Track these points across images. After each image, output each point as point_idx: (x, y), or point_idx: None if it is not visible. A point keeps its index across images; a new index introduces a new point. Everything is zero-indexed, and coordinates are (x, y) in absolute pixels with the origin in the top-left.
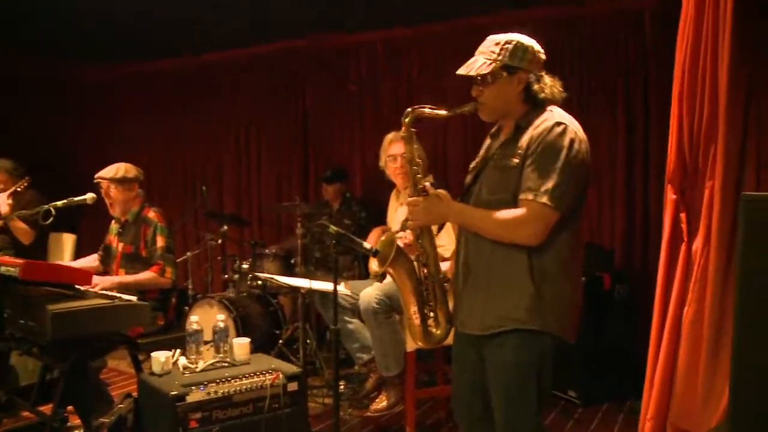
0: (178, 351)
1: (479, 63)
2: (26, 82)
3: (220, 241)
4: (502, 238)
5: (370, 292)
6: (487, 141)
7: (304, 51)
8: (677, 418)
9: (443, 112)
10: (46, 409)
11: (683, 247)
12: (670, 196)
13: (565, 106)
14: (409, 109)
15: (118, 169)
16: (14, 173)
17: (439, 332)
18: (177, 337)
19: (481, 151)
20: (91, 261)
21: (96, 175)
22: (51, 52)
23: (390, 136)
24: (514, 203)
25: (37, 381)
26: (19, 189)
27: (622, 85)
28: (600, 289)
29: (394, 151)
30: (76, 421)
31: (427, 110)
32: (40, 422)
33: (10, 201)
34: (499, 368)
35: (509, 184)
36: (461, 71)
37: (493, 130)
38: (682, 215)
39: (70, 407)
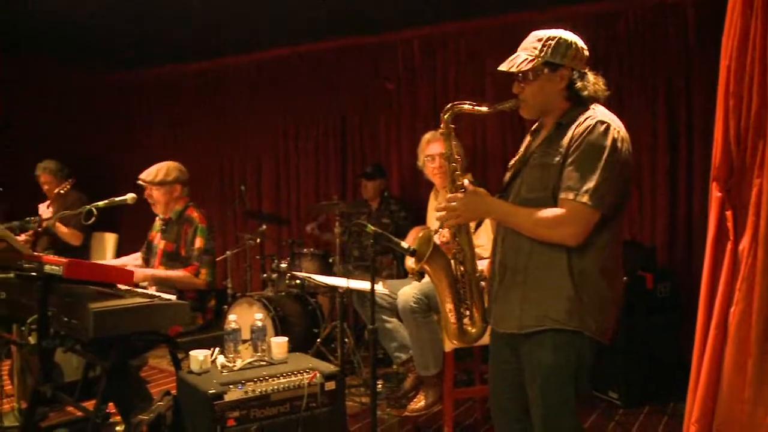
0: (217, 350)
1: (521, 59)
2: (67, 86)
3: (258, 241)
4: (542, 237)
5: (408, 291)
6: (528, 138)
7: (341, 50)
8: (723, 423)
9: (483, 109)
10: (90, 404)
11: (729, 246)
12: (716, 193)
13: (606, 101)
14: (449, 106)
15: (158, 171)
16: (59, 174)
17: (474, 331)
18: (216, 336)
19: (521, 149)
20: (134, 259)
21: (139, 177)
22: (88, 56)
23: (428, 135)
24: (553, 202)
25: (80, 378)
26: (62, 191)
27: (664, 80)
28: (642, 289)
29: (432, 151)
30: (118, 417)
31: (466, 107)
32: (84, 417)
33: (50, 209)
34: (537, 369)
35: (549, 183)
36: (502, 67)
37: (534, 127)
38: (728, 213)
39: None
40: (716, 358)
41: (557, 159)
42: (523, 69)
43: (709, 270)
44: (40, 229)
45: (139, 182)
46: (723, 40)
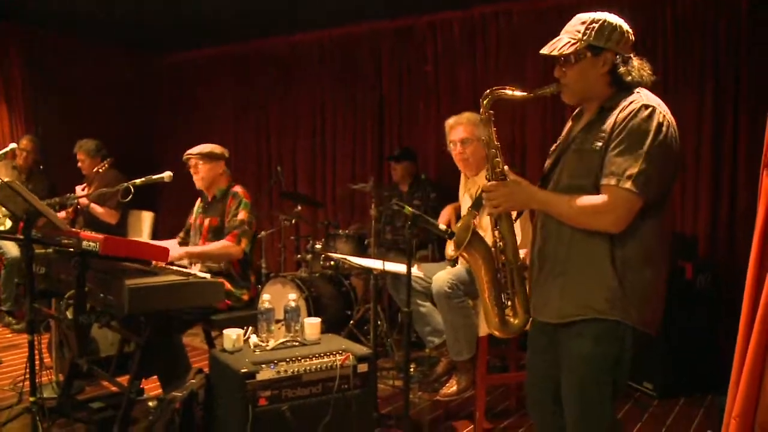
0: (251, 329)
1: (563, 42)
2: (109, 67)
3: (293, 221)
4: (583, 224)
5: (442, 276)
6: (569, 124)
7: (379, 33)
8: (767, 420)
9: (523, 94)
10: (124, 380)
11: None
12: (766, 182)
13: (652, 88)
14: (488, 91)
15: (204, 146)
16: (95, 153)
17: (517, 322)
18: (250, 315)
19: (563, 134)
20: (173, 244)
21: (186, 153)
22: (133, 37)
23: (450, 120)
24: (595, 189)
25: (116, 353)
26: (100, 170)
27: (711, 66)
28: (681, 279)
29: (454, 136)
30: (152, 393)
31: (507, 92)
32: (119, 392)
33: (86, 191)
34: (576, 359)
35: (591, 169)
36: (544, 50)
37: (576, 113)
38: None
39: (145, 379)
40: (761, 353)
41: (600, 144)
42: (565, 52)
43: (755, 262)
44: (77, 209)
45: (186, 156)
46: None
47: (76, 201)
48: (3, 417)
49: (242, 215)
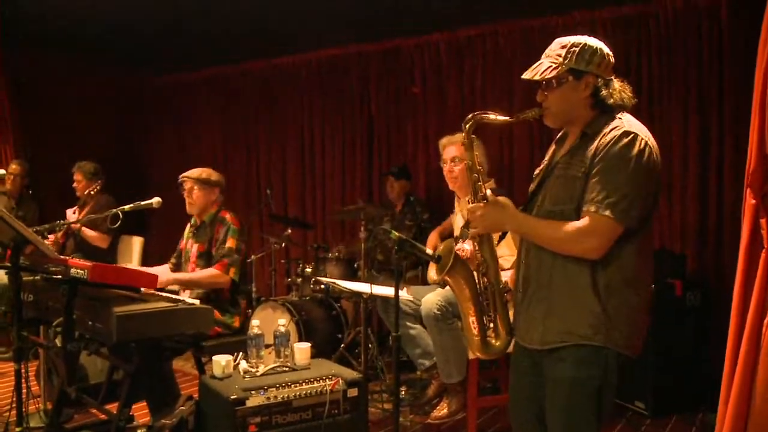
0: (240, 354)
1: (544, 67)
2: (97, 89)
3: (283, 245)
4: (562, 250)
5: (431, 298)
6: (552, 147)
7: (367, 54)
8: None
9: (506, 119)
10: (113, 407)
11: (763, 255)
12: (750, 200)
13: (635, 108)
14: (470, 116)
15: (202, 171)
16: (90, 176)
17: (498, 344)
18: (241, 341)
19: (546, 158)
20: (163, 271)
21: (181, 175)
22: (122, 59)
23: (444, 140)
24: (577, 215)
25: (105, 380)
26: (92, 192)
27: (695, 85)
28: (671, 296)
29: (446, 155)
30: (141, 420)
31: (489, 116)
32: (107, 420)
33: (76, 215)
34: (558, 383)
35: (573, 195)
36: (526, 75)
37: (559, 136)
38: (763, 221)
39: (135, 405)
40: (748, 370)
41: (582, 170)
42: (546, 77)
43: (741, 279)
44: (67, 233)
45: (182, 179)
46: (760, 45)
47: (66, 225)
48: None
49: (230, 243)
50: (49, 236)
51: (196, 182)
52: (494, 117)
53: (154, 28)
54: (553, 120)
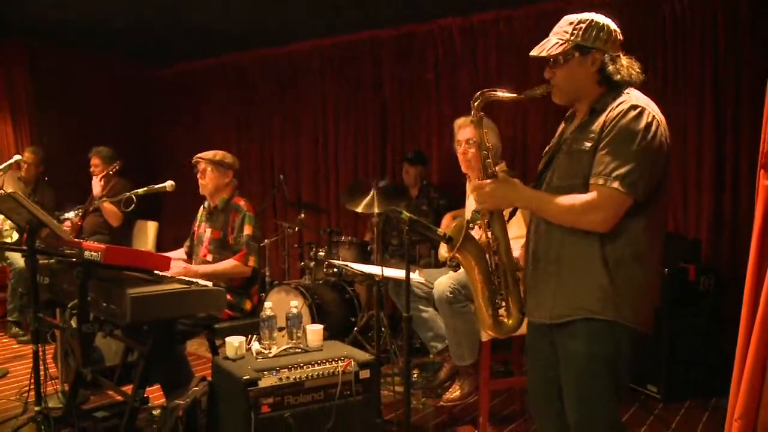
0: (254, 336)
1: (551, 43)
2: (111, 78)
3: (297, 229)
4: (570, 223)
5: (444, 281)
6: (562, 125)
7: (380, 41)
8: None
9: (514, 95)
10: (129, 388)
11: None
12: (764, 182)
13: (650, 90)
14: (479, 93)
15: (216, 153)
16: (108, 160)
17: (510, 322)
18: (254, 323)
19: (555, 136)
20: (179, 255)
21: (196, 156)
22: (135, 48)
23: (459, 121)
24: (585, 189)
25: (119, 362)
26: (111, 172)
27: (711, 66)
28: (684, 281)
29: (461, 136)
30: (156, 402)
31: (498, 93)
32: (123, 401)
33: (102, 183)
34: (571, 359)
35: (581, 170)
36: (533, 52)
37: (568, 113)
38: None
39: (150, 387)
40: (761, 354)
41: (589, 145)
42: (553, 53)
43: (754, 263)
44: (84, 215)
45: (196, 160)
46: None
47: (82, 209)
48: (9, 427)
49: (247, 230)
50: (66, 221)
51: (209, 163)
52: (503, 94)
53: (165, 18)
54: (560, 96)
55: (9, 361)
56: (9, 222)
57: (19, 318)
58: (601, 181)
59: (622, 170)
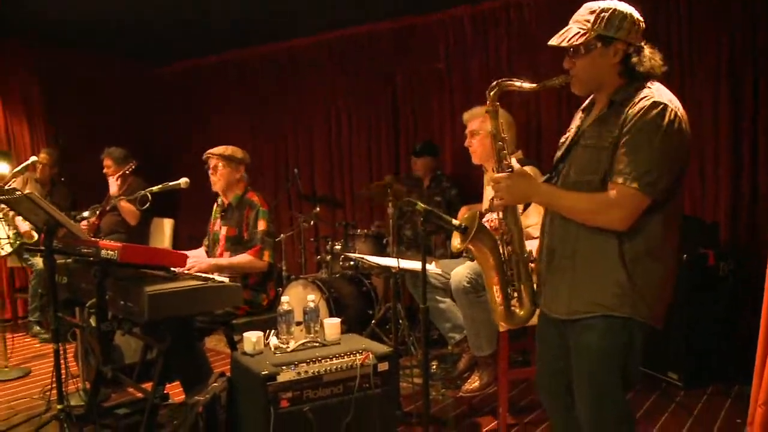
0: (272, 331)
1: (572, 33)
2: (123, 78)
3: (312, 223)
4: (588, 221)
5: (461, 271)
6: (579, 115)
7: (391, 31)
8: None
9: (532, 85)
10: (149, 386)
11: None
12: None
13: (666, 74)
14: (495, 83)
15: (227, 149)
16: (120, 161)
17: (522, 313)
18: (272, 318)
19: (572, 127)
20: (200, 254)
21: (206, 152)
22: (146, 47)
23: (465, 114)
24: (603, 185)
25: (139, 359)
26: (127, 172)
27: (727, 45)
28: (703, 266)
29: (469, 128)
30: (176, 398)
31: (514, 83)
32: (143, 398)
33: (118, 182)
34: (584, 353)
35: (599, 166)
36: (553, 41)
37: (585, 104)
38: None
39: (169, 384)
40: None
41: (609, 141)
42: (574, 43)
43: None
44: (101, 214)
45: (207, 156)
46: None
47: (99, 208)
48: (33, 425)
49: (261, 225)
50: (83, 221)
51: (220, 159)
52: (519, 84)
53: (172, 16)
54: (580, 87)
55: (31, 361)
56: (27, 223)
57: (40, 318)
58: (620, 180)
59: (642, 170)
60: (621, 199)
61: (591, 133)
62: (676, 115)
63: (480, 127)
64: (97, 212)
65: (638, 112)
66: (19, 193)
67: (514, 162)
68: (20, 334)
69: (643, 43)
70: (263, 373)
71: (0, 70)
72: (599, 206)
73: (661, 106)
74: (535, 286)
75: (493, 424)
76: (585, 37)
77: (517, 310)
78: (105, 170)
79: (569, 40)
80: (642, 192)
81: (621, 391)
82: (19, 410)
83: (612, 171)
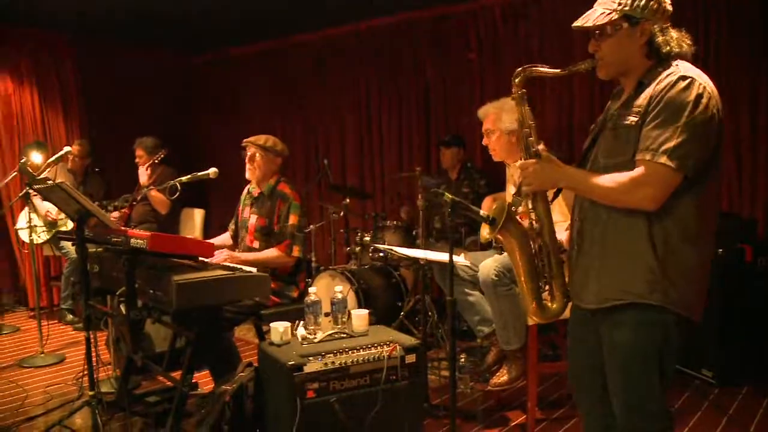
0: (300, 322)
1: (597, 13)
2: (155, 68)
3: (342, 214)
4: (617, 202)
5: (489, 264)
6: (610, 103)
7: (422, 22)
8: None
9: (557, 71)
10: (178, 374)
11: None
12: None
13: (702, 61)
14: (520, 69)
15: (267, 139)
16: (153, 150)
17: (554, 306)
18: (301, 309)
19: (602, 114)
20: (225, 240)
21: (245, 140)
22: (178, 37)
23: (480, 111)
24: (632, 167)
25: (168, 348)
26: (156, 161)
27: (763, 34)
28: (741, 262)
29: (484, 126)
30: (205, 388)
31: (539, 69)
32: (173, 386)
33: (148, 172)
34: (617, 348)
35: (627, 147)
36: (577, 23)
37: (615, 90)
38: None
39: (198, 374)
40: None
41: (635, 119)
42: (599, 23)
43: None
44: (133, 204)
45: (245, 144)
46: None
47: (130, 198)
48: (67, 410)
49: (293, 219)
50: (115, 211)
51: (260, 148)
52: (545, 69)
53: (206, 6)
54: (606, 71)
55: (66, 348)
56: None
57: (72, 306)
58: (648, 156)
59: (671, 144)
60: (649, 175)
61: (617, 116)
62: (704, 88)
63: (494, 126)
64: (128, 202)
65: (664, 87)
66: (50, 182)
67: (541, 148)
68: (55, 321)
69: (669, 25)
70: (290, 363)
71: (40, 62)
72: (627, 185)
73: (688, 80)
74: (567, 277)
75: (521, 418)
76: (610, 17)
77: (549, 304)
78: (137, 160)
79: (594, 20)
80: (671, 166)
81: (657, 387)
82: (54, 395)
83: (639, 148)
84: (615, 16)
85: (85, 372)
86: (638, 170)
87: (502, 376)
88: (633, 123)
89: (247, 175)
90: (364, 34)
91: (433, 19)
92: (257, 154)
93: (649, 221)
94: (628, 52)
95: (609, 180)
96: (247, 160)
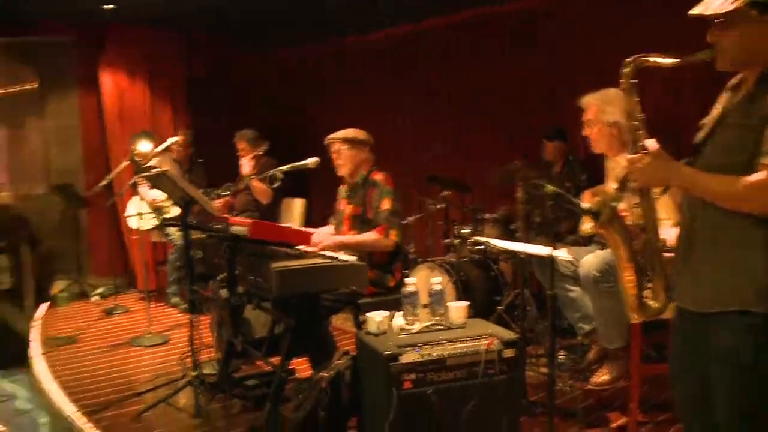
0: (399, 313)
1: (719, 1)
2: (262, 65)
3: (440, 206)
4: (733, 206)
5: (591, 260)
6: (724, 95)
7: (516, 13)
8: None
9: (672, 61)
10: (276, 360)
11: None
12: None
13: None
14: (630, 59)
15: (348, 131)
16: (252, 142)
17: (656, 305)
18: (399, 299)
19: (717, 106)
20: (327, 231)
21: (327, 137)
22: (276, 35)
23: (582, 101)
24: (750, 168)
25: (267, 334)
26: (259, 152)
27: None
28: None
29: (585, 116)
30: (301, 374)
31: (652, 59)
32: (271, 371)
33: (252, 163)
34: (724, 362)
35: (746, 147)
36: (695, 11)
37: (734, 81)
38: None
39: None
40: None
41: (758, 119)
42: (722, 11)
43: None
44: (241, 187)
45: (329, 140)
46: None
47: (233, 187)
48: (171, 389)
49: (386, 204)
50: (218, 199)
51: (343, 142)
52: (658, 59)
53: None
54: (729, 63)
55: (171, 329)
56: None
57: (177, 291)
58: None
59: None
60: None
61: (738, 112)
62: None
63: (596, 117)
64: (230, 191)
65: None
66: (157, 170)
67: (651, 143)
68: (162, 303)
69: None
70: (386, 353)
71: (152, 57)
72: (745, 190)
73: None
74: (669, 277)
75: (622, 420)
76: (736, 4)
77: (650, 302)
78: (239, 152)
79: (715, 8)
80: None
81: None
82: (160, 374)
83: (760, 151)
84: (741, 2)
85: (189, 353)
86: (758, 175)
87: (602, 375)
88: (755, 122)
89: (338, 172)
90: (455, 27)
91: (529, 11)
92: (342, 148)
93: (765, 228)
94: (756, 44)
95: (725, 183)
96: (333, 157)
